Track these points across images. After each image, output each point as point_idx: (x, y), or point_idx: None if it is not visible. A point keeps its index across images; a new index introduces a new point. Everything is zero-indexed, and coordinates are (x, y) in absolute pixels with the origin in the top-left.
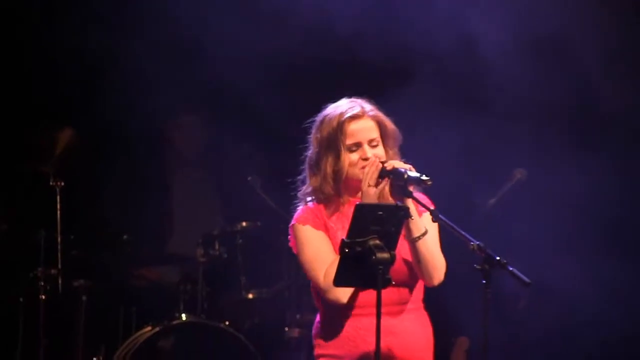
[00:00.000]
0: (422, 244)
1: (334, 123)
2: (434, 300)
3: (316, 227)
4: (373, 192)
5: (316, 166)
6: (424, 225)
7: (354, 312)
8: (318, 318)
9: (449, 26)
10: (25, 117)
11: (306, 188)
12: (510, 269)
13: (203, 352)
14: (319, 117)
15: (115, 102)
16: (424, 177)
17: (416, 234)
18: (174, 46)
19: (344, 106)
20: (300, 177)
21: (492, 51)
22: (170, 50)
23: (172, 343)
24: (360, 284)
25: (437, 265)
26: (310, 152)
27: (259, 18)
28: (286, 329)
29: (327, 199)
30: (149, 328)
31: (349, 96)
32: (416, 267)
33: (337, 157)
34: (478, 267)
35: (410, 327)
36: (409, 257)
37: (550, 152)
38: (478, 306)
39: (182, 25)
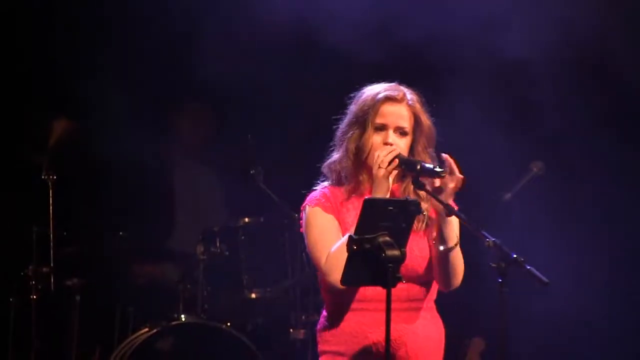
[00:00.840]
0: (454, 254)
1: (369, 100)
2: (447, 298)
3: (325, 210)
4: (382, 175)
5: (341, 139)
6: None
7: (359, 306)
8: (324, 312)
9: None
10: (18, 106)
11: (330, 161)
12: (528, 267)
13: (203, 354)
14: (359, 93)
15: (113, 92)
16: (437, 169)
17: (450, 244)
18: (173, 38)
19: (386, 86)
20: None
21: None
22: (171, 41)
23: (171, 345)
24: (369, 282)
25: (459, 273)
26: (341, 126)
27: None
28: (291, 330)
29: (345, 178)
30: (147, 329)
31: (353, 90)
32: (438, 273)
33: (363, 132)
34: (494, 264)
35: (421, 327)
36: (421, 253)
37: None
38: (494, 306)
39: (182, 16)
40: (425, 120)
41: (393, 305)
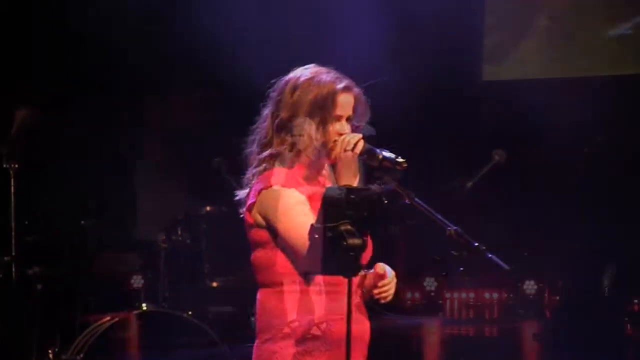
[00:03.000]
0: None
1: (324, 90)
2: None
3: (300, 191)
4: (350, 157)
5: (291, 130)
6: None
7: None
8: (269, 303)
9: None
10: None
11: (272, 150)
12: (489, 255)
13: (165, 342)
14: (296, 79)
15: (81, 77)
16: (399, 159)
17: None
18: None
19: (332, 74)
20: (254, 138)
21: None
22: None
23: (133, 334)
24: (331, 271)
25: None
26: (283, 115)
27: None
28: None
29: (292, 164)
30: (108, 318)
31: None
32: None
33: (323, 124)
34: (455, 253)
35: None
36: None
37: None
38: None
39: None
40: (364, 105)
41: (341, 289)
